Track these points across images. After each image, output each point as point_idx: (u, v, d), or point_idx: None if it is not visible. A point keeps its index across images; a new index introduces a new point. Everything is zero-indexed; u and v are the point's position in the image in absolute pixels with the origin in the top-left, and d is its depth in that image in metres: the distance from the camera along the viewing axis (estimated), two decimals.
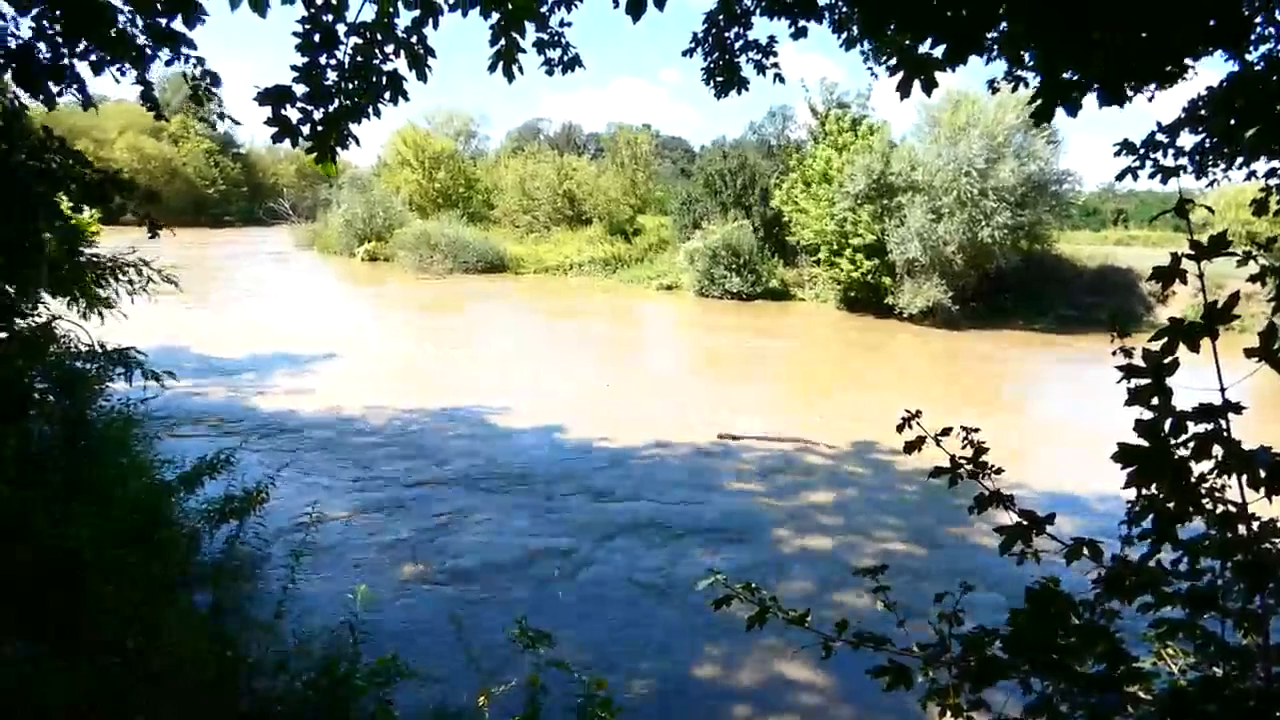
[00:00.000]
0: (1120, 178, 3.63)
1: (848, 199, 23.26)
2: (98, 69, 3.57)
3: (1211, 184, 4.86)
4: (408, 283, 29.19)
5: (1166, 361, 1.42)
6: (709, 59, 4.29)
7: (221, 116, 4.95)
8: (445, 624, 5.52)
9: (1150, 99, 4.61)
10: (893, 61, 2.60)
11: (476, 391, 12.71)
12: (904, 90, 2.67)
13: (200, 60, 4.56)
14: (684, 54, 4.26)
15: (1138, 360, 3.11)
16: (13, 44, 3.69)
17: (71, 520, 4.00)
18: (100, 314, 6.32)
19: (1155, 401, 1.44)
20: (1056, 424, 12.84)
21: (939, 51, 2.62)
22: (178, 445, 8.22)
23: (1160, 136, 3.50)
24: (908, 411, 2.19)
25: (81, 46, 3.66)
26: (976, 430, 2.45)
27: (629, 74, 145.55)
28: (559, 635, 4.59)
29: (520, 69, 3.29)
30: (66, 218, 5.20)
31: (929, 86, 2.66)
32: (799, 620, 2.05)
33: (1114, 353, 3.07)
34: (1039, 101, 2.77)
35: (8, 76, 3.73)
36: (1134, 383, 3.23)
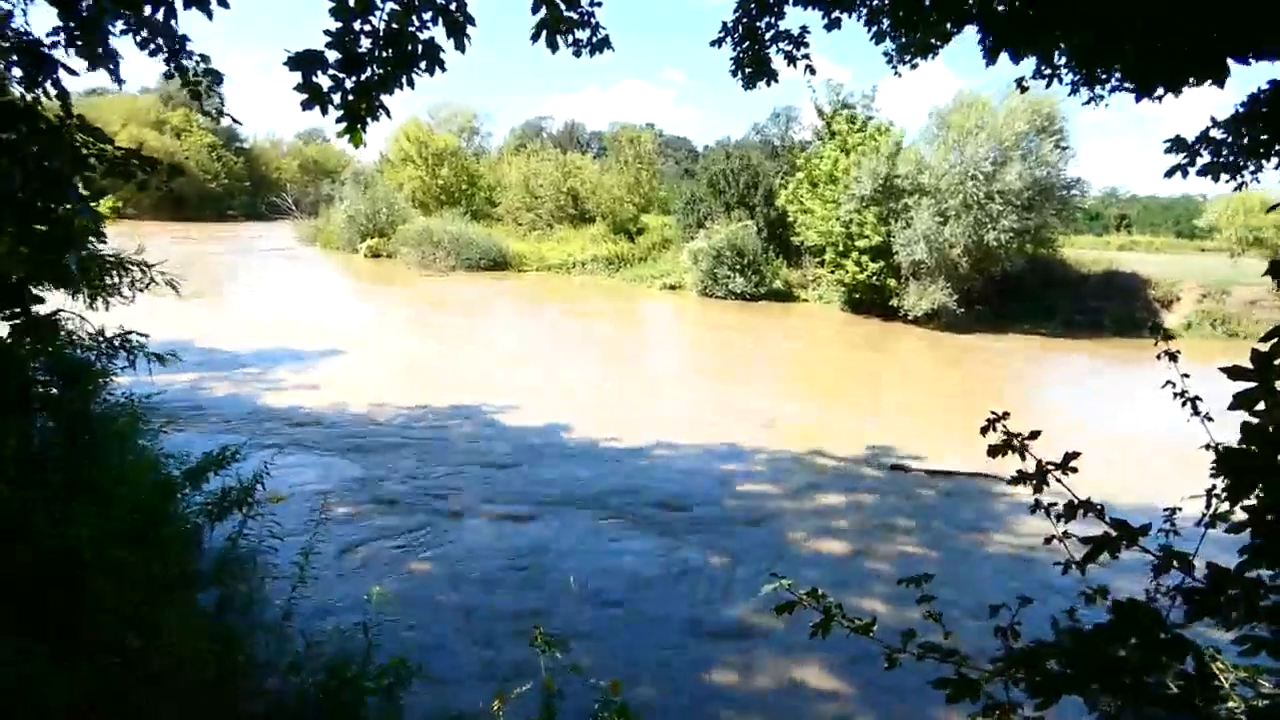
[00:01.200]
0: (1169, 175, 3.52)
1: (854, 201, 23.19)
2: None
3: (1240, 186, 4.75)
4: (411, 279, 29.08)
5: (1277, 363, 1.31)
6: (738, 49, 4.18)
7: (220, 114, 4.85)
8: (449, 625, 5.43)
9: (1160, 99, 4.52)
10: (978, 30, 2.49)
11: (483, 389, 12.61)
12: (991, 58, 2.58)
13: (204, 58, 4.48)
14: (712, 44, 4.14)
15: (1167, 365, 3.01)
16: (17, 37, 3.60)
17: (71, 519, 3.90)
18: (106, 304, 6.23)
19: (1261, 406, 1.33)
20: (1069, 428, 12.74)
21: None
22: (183, 440, 8.12)
23: (1215, 133, 3.39)
24: (994, 413, 2.08)
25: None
26: (1035, 436, 2.34)
27: (632, 75, 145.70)
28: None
29: (564, 38, 3.18)
30: (89, 204, 5.10)
31: (1018, 56, 2.56)
32: (864, 630, 1.95)
33: (1159, 357, 2.98)
34: (1137, 77, 2.67)
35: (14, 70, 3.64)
36: (1172, 386, 3.13)
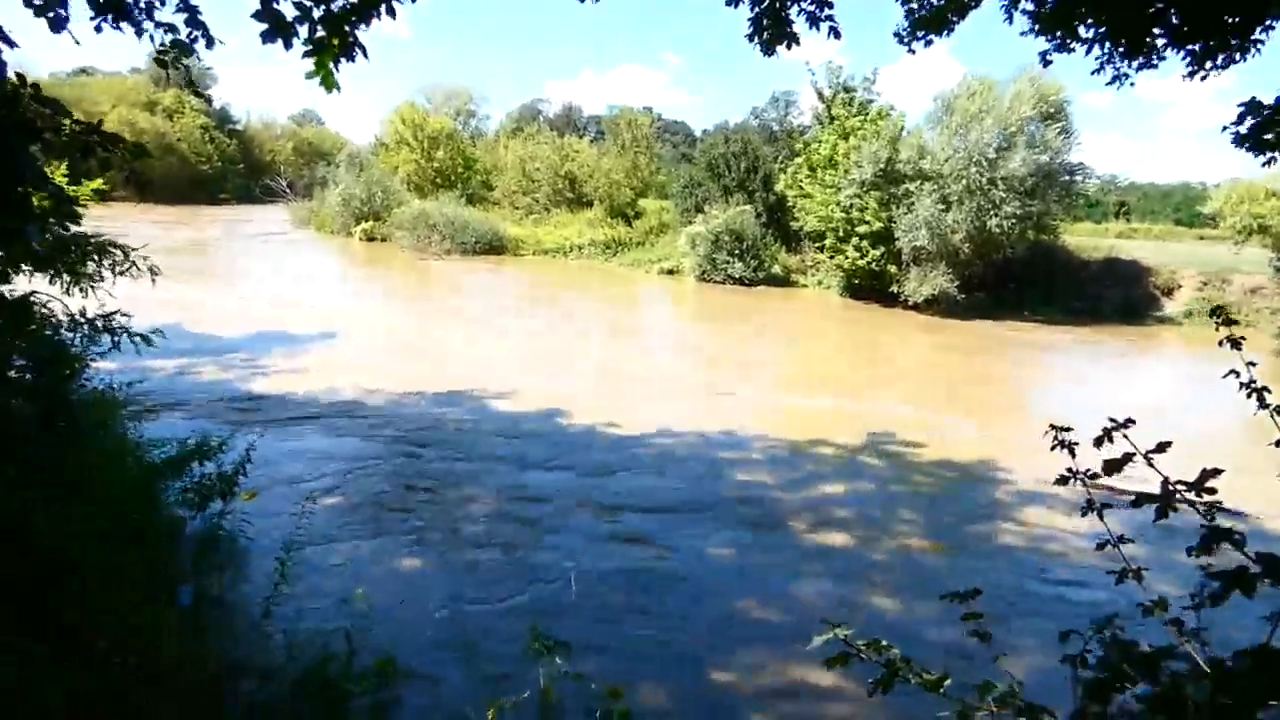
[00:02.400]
0: (1240, 144, 3.25)
1: (854, 185, 22.89)
2: None
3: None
4: (406, 263, 28.75)
5: None
6: (756, 8, 3.88)
7: (190, 83, 4.53)
8: (441, 624, 5.21)
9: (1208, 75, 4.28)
10: None
11: (479, 375, 12.36)
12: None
13: (172, 27, 4.16)
14: (729, 3, 3.85)
15: (1232, 353, 2.74)
16: None
17: (62, 516, 3.70)
18: (84, 290, 5.96)
19: None
20: (1079, 415, 12.56)
21: None
22: (166, 427, 7.88)
23: None
24: (1112, 420, 1.83)
25: None
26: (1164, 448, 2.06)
27: (629, 59, 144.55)
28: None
29: None
30: (49, 179, 4.80)
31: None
32: (935, 685, 1.70)
33: (1220, 343, 2.73)
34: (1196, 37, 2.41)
35: None
36: (1235, 375, 2.86)
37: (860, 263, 23.23)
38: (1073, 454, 2.21)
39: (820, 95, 26.94)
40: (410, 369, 12.60)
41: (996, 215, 21.00)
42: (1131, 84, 4.21)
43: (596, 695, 3.28)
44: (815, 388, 13.65)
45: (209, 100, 64.22)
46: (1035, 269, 24.09)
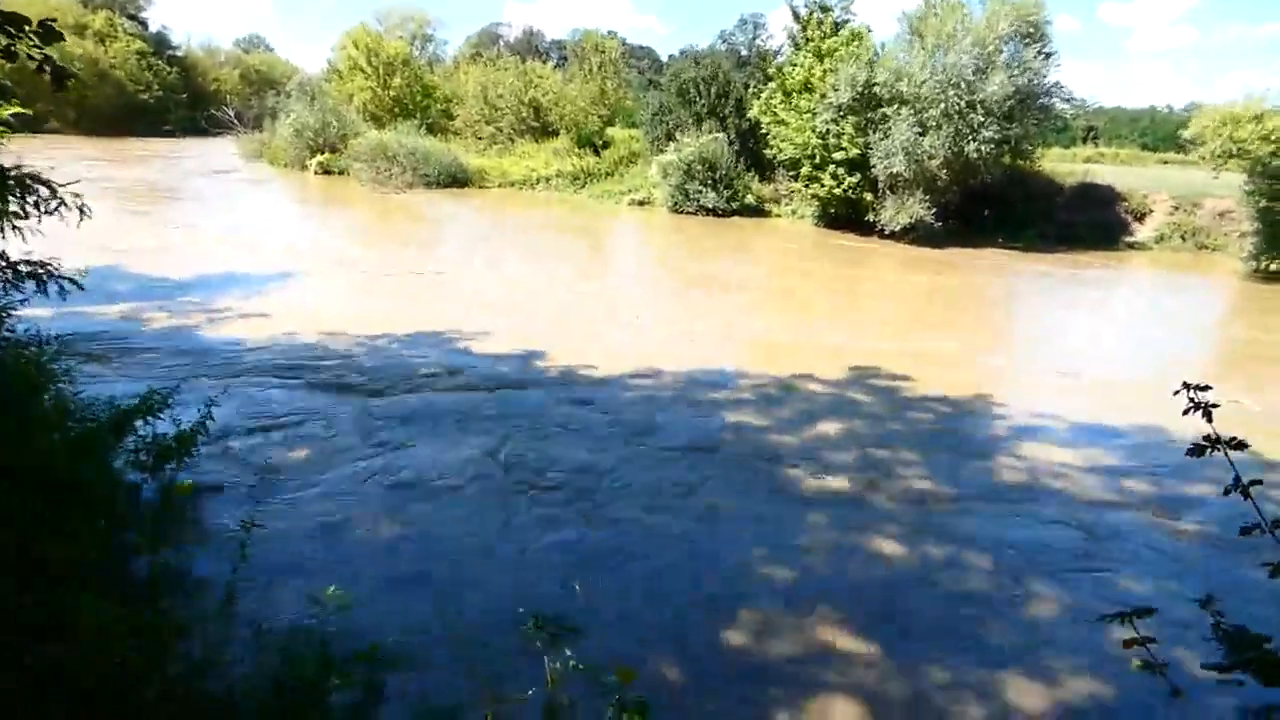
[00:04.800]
0: None
1: (830, 110, 22.13)
2: None
3: None
4: (366, 197, 27.54)
5: None
6: None
7: None
8: (421, 595, 4.83)
9: None
10: None
11: (448, 315, 11.77)
12: None
13: None
14: None
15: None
16: None
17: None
18: (16, 229, 5.27)
19: None
20: (1067, 346, 12.43)
21: None
22: (114, 384, 7.29)
23: None
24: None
25: None
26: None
27: None
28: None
29: None
30: None
31: None
32: None
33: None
34: None
35: None
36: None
37: (836, 191, 22.67)
38: (1209, 418, 1.81)
39: (795, 15, 25.88)
40: (375, 310, 11.95)
41: (975, 140, 20.50)
42: None
43: (607, 674, 2.91)
44: (798, 321, 13.31)
45: (144, 24, 60.43)
46: (1010, 195, 23.80)
